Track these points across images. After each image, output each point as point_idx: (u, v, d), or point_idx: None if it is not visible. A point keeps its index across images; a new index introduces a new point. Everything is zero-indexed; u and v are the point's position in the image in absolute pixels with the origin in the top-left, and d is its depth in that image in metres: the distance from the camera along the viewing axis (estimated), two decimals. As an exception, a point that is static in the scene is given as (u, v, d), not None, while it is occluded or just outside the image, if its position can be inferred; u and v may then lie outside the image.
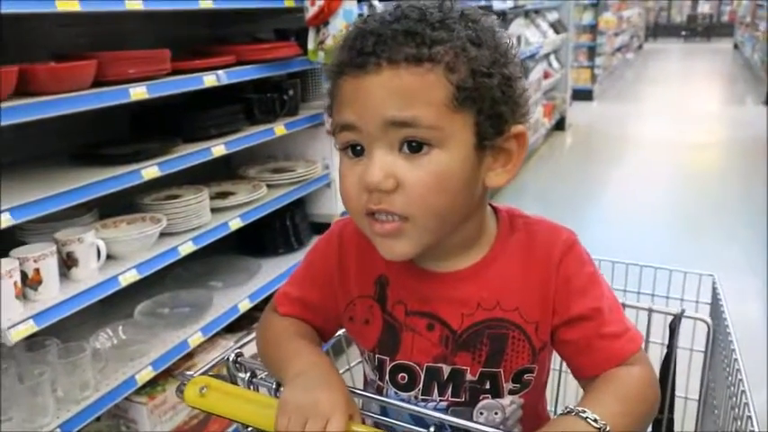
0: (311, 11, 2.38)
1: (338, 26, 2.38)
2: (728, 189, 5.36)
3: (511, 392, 0.89)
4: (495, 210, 0.93)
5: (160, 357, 1.93)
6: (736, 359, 1.02)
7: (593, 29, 10.04)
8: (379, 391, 0.93)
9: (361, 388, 0.93)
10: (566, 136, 7.88)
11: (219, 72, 2.08)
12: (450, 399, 0.89)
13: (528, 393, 0.90)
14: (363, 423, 0.77)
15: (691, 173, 6.15)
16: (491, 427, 0.75)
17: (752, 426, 0.87)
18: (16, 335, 1.51)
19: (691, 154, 6.85)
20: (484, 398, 0.89)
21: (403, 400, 0.89)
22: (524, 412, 0.91)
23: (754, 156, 6.29)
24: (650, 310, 1.17)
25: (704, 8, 23.94)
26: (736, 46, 17.47)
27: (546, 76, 6.97)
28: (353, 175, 0.81)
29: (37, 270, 1.59)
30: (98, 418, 1.81)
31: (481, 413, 0.89)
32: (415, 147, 0.77)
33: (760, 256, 3.85)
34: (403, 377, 0.91)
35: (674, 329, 1.11)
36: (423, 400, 0.90)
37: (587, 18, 9.95)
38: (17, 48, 1.91)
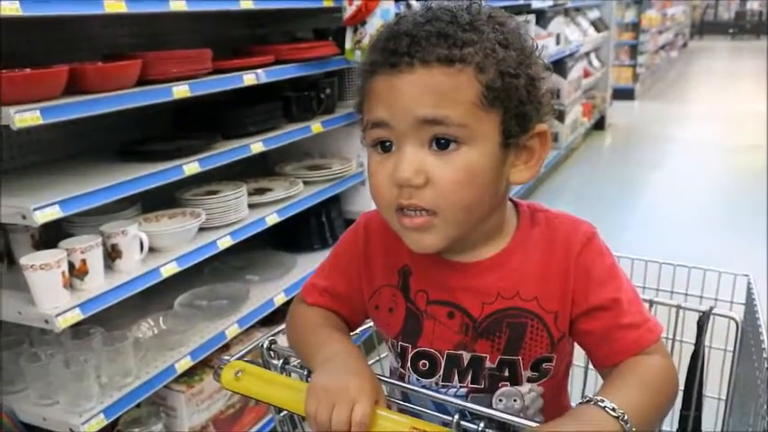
0: (349, 10, 2.41)
1: (375, 25, 2.41)
2: (773, 192, 5.23)
3: (530, 380, 0.91)
4: (516, 204, 0.96)
5: (198, 348, 1.99)
6: (766, 358, 1.01)
7: (635, 27, 9.87)
8: (402, 379, 0.96)
9: (388, 376, 0.96)
10: (605, 135, 7.78)
11: (259, 71, 2.13)
12: (469, 385, 0.92)
13: (547, 382, 0.92)
14: (389, 408, 0.80)
15: (735, 176, 6.00)
16: (510, 414, 0.78)
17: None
18: (63, 322, 1.57)
19: (734, 156, 6.69)
20: (503, 385, 0.91)
21: (424, 387, 0.92)
22: (545, 402, 0.93)
23: (800, 158, 6.11)
24: (678, 307, 1.17)
25: (753, 5, 23.28)
26: (786, 44, 16.96)
27: (586, 74, 6.89)
28: (383, 171, 0.84)
29: (83, 261, 1.66)
30: (138, 405, 1.87)
31: (500, 400, 0.91)
32: (444, 144, 0.80)
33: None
34: (424, 364, 0.93)
35: (701, 326, 1.11)
36: (443, 386, 0.93)
37: (630, 16, 9.78)
38: (67, 48, 1.99)
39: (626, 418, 0.74)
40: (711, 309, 1.11)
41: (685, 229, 4.48)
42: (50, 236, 1.80)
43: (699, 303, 1.48)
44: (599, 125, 7.78)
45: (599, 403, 0.75)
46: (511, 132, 0.83)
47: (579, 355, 1.00)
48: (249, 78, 2.10)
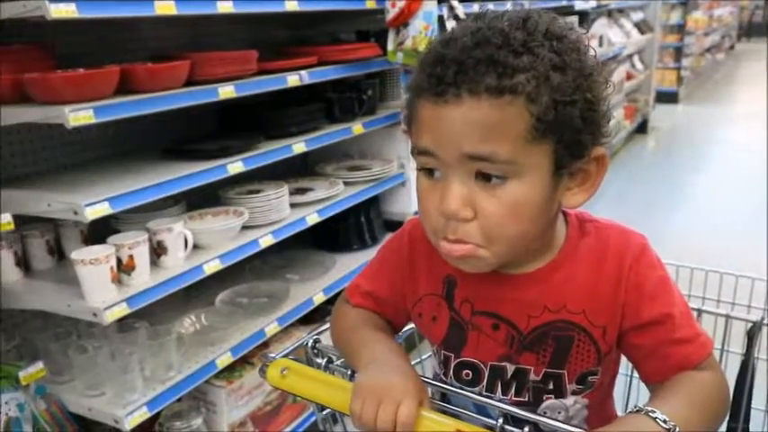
0: (392, 12, 2.42)
1: (418, 27, 2.41)
2: (823, 198, 5.06)
3: (574, 393, 0.90)
4: (564, 214, 0.93)
5: (238, 344, 2.01)
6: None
7: (680, 28, 9.67)
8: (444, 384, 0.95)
9: (431, 377, 0.96)
10: (648, 139, 7.63)
11: (302, 72, 2.15)
12: (513, 398, 0.91)
13: (592, 393, 0.91)
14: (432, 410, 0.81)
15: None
16: (555, 420, 0.77)
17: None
18: (111, 316, 1.61)
19: (782, 160, 6.50)
20: (547, 398, 0.90)
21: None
22: (590, 412, 0.92)
23: None
24: (728, 317, 1.15)
25: (804, 6, 22.56)
26: (838, 46, 16.38)
27: (628, 77, 6.79)
28: (432, 198, 0.82)
29: (131, 257, 1.70)
30: (179, 399, 1.91)
31: (545, 413, 0.90)
32: (489, 178, 0.78)
33: None
34: (467, 374, 0.93)
35: (752, 337, 1.08)
36: (486, 398, 0.91)
37: (675, 17, 9.59)
38: (117, 49, 2.04)
39: (677, 430, 0.73)
40: (762, 319, 1.08)
41: (731, 234, 4.38)
42: (97, 231, 1.84)
43: (747, 313, 1.45)
44: (641, 129, 7.64)
45: (650, 413, 0.74)
46: (563, 162, 0.79)
47: (621, 362, 0.99)
48: (293, 79, 2.12)
